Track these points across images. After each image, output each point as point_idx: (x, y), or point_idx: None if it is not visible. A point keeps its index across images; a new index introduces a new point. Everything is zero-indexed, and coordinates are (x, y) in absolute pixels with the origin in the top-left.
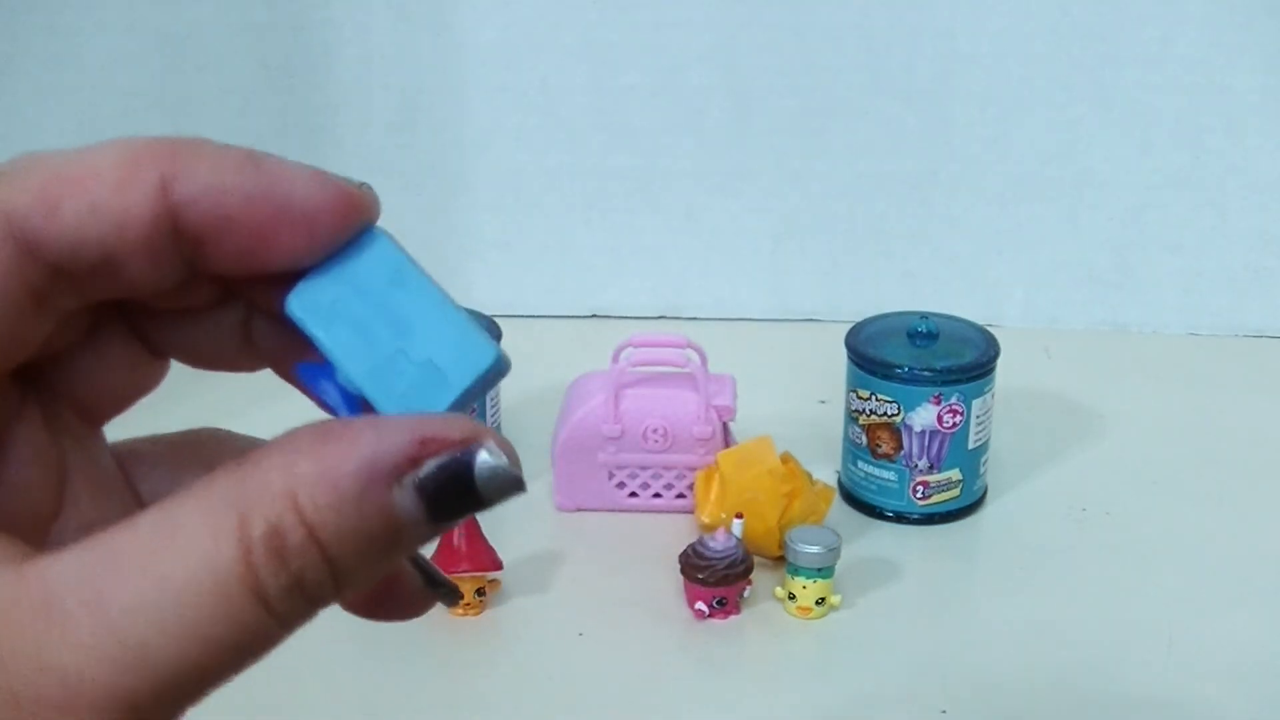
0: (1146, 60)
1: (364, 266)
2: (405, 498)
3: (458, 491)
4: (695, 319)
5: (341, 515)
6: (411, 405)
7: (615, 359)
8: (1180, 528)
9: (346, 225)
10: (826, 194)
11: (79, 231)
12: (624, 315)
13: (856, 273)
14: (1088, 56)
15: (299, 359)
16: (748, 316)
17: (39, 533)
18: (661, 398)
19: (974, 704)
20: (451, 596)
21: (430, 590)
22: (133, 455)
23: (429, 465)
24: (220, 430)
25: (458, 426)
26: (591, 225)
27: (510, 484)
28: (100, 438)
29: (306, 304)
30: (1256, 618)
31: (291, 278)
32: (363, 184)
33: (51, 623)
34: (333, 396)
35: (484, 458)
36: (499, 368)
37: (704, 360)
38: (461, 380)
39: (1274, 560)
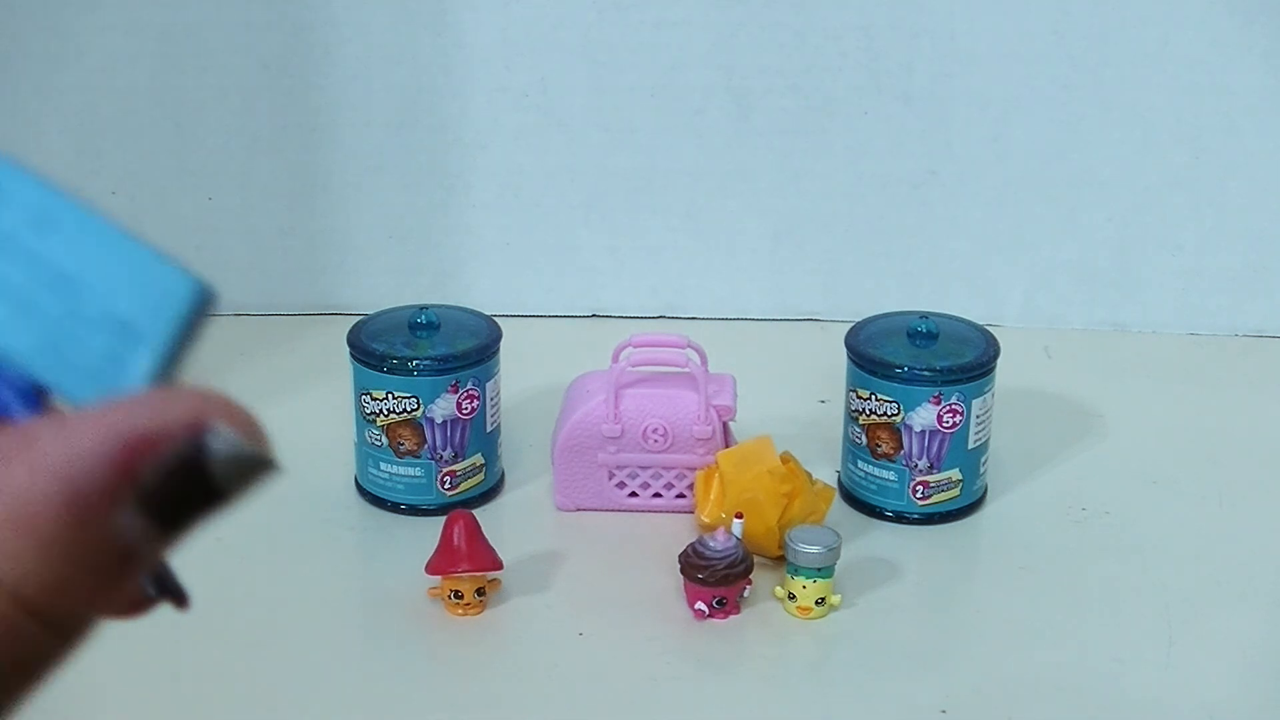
0: (1146, 60)
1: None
2: (127, 518)
3: (194, 492)
4: (695, 319)
5: (47, 562)
6: (104, 380)
7: (615, 359)
8: (1180, 528)
9: None
10: (826, 194)
11: None
12: (624, 315)
13: (856, 273)
14: (1088, 56)
15: None
16: (748, 316)
17: None
18: (661, 398)
19: (974, 704)
20: (180, 603)
21: (155, 594)
22: None
23: (149, 471)
24: None
25: (169, 408)
26: (591, 225)
27: (258, 467)
28: None
29: None
30: (1256, 618)
31: None
32: None
33: None
34: None
35: (217, 445)
36: (204, 298)
37: (704, 360)
38: (159, 329)
39: (1274, 560)
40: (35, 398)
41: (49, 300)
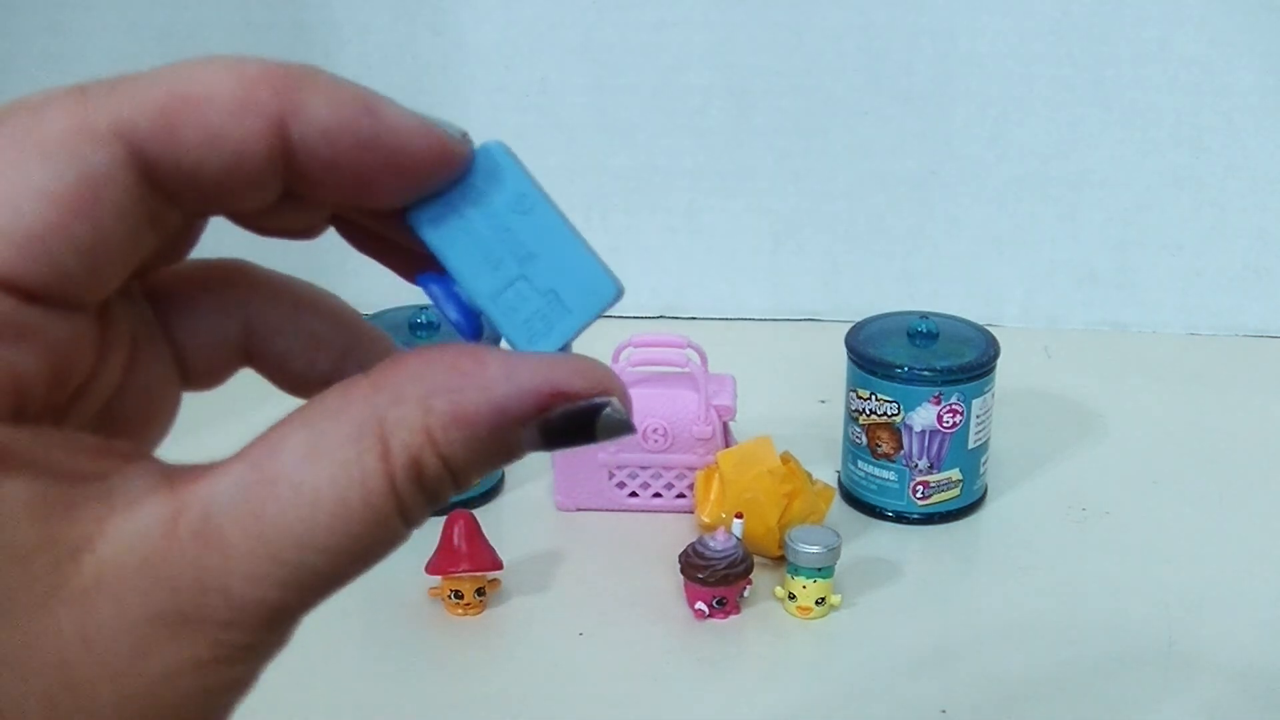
0: (1146, 60)
1: (490, 191)
2: (529, 436)
3: (577, 433)
4: (695, 319)
5: (472, 450)
6: (533, 332)
7: (615, 359)
8: (1180, 528)
9: (442, 176)
10: (826, 194)
11: (194, 160)
12: (624, 315)
13: (856, 273)
14: (1088, 56)
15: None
16: (748, 316)
17: (75, 394)
18: (661, 398)
19: (974, 704)
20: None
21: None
22: (158, 295)
23: (556, 412)
24: (243, 263)
25: (588, 377)
26: (591, 225)
27: (623, 429)
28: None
29: (432, 219)
30: (1256, 617)
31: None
32: (463, 133)
33: (211, 546)
34: (453, 311)
35: (607, 409)
36: (618, 296)
37: (704, 360)
38: (582, 313)
39: (1274, 560)
40: (477, 321)
41: (510, 264)
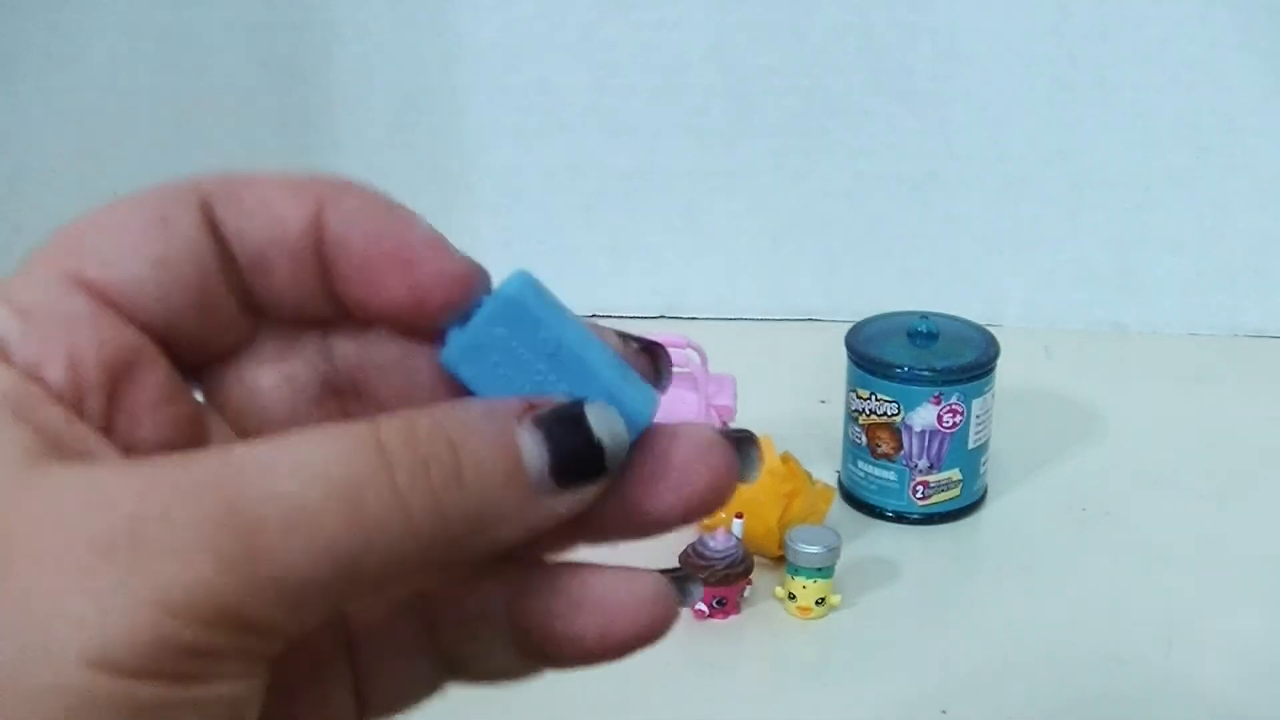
0: (1146, 60)
1: (523, 333)
2: (526, 435)
3: (578, 443)
4: (695, 319)
5: (467, 424)
6: None
7: None
8: (1180, 528)
9: (452, 304)
10: (826, 194)
11: (248, 220)
12: (624, 315)
13: (856, 273)
14: (1088, 56)
15: None
16: (748, 316)
17: None
18: (661, 398)
19: (974, 704)
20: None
21: (674, 588)
22: (348, 621)
23: (543, 409)
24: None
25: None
26: (591, 225)
27: (623, 433)
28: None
29: (465, 356)
30: (1257, 618)
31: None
32: (480, 269)
33: (174, 524)
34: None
35: (593, 408)
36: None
37: (704, 360)
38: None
39: (1274, 560)
40: None
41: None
